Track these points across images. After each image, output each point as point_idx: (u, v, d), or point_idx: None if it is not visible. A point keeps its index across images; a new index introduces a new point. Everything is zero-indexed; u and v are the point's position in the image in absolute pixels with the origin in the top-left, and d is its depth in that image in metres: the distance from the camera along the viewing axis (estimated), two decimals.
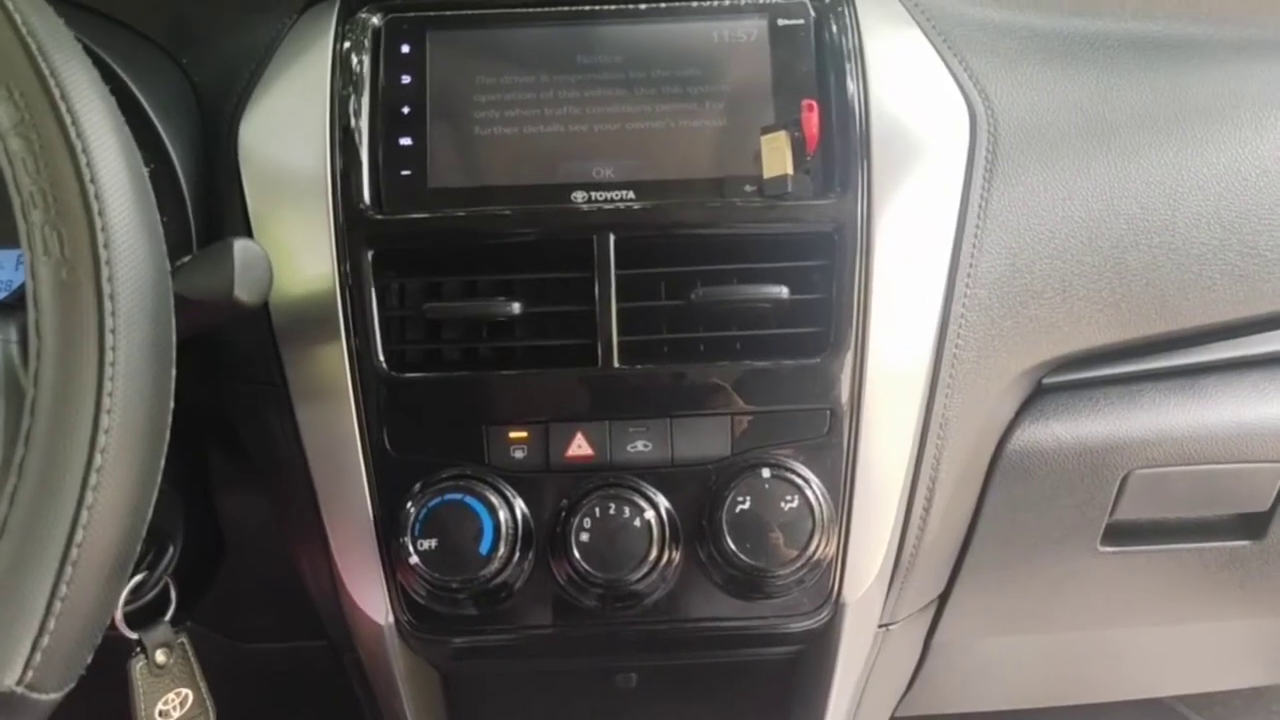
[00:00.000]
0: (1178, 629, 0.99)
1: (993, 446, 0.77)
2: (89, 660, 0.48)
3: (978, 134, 0.72)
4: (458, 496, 0.66)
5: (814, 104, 0.70)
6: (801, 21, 0.73)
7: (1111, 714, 1.26)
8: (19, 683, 0.43)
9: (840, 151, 0.70)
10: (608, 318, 0.68)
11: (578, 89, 0.72)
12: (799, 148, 0.69)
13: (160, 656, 0.72)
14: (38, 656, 0.43)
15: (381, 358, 0.68)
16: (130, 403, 0.46)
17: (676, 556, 0.68)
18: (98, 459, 0.45)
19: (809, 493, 0.67)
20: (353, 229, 0.68)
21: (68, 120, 0.46)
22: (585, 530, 0.66)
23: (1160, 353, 0.78)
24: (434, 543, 0.65)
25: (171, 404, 0.49)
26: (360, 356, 0.68)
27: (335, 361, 0.68)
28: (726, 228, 0.70)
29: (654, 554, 0.66)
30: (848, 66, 0.71)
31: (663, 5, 0.73)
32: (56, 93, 0.46)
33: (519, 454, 0.69)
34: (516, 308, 0.68)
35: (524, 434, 0.69)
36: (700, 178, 0.70)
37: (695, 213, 0.69)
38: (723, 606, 0.70)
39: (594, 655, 0.76)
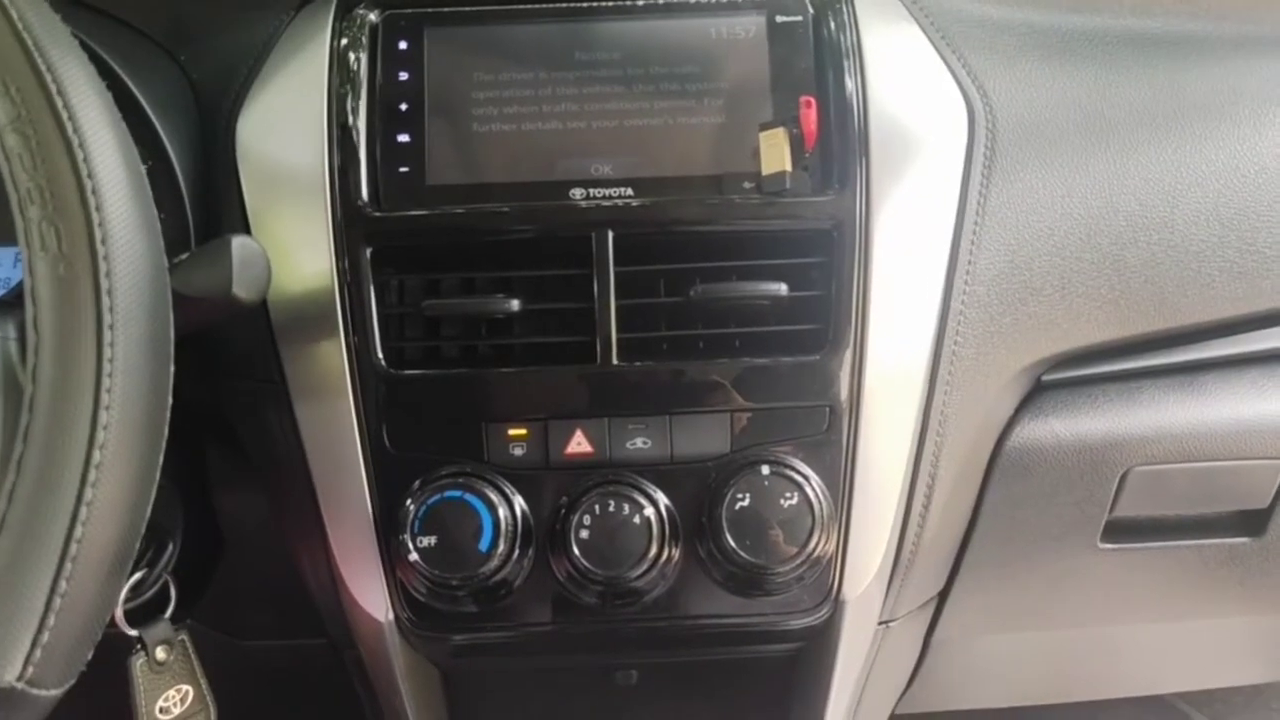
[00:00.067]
0: (1177, 626, 0.99)
1: (992, 443, 0.77)
2: (89, 657, 0.48)
3: (976, 131, 0.72)
4: (457, 494, 0.66)
5: (812, 101, 0.70)
6: (800, 18, 0.73)
7: (1112, 711, 1.26)
8: (19, 679, 0.43)
9: (839, 148, 0.70)
10: (606, 315, 0.68)
11: (576, 86, 0.71)
12: (797, 144, 0.70)
13: (160, 653, 0.73)
14: (38, 653, 0.43)
15: (380, 355, 0.68)
16: (129, 399, 0.46)
17: (676, 553, 0.68)
18: (96, 455, 0.45)
19: (808, 490, 0.67)
20: (351, 226, 0.68)
21: (64, 116, 0.46)
22: (585, 527, 0.66)
23: (1159, 350, 0.78)
24: (433, 540, 0.65)
25: (170, 400, 0.49)
26: (359, 354, 0.68)
27: (334, 359, 0.68)
28: (725, 225, 0.70)
29: (653, 551, 0.66)
30: (846, 63, 0.71)
31: (661, 2, 0.73)
32: (53, 88, 0.46)
33: (518, 451, 0.69)
34: (515, 305, 0.68)
35: (523, 431, 0.69)
36: (699, 174, 0.70)
37: (694, 209, 0.69)
38: (722, 603, 0.70)
39: (594, 652, 0.76)
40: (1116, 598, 0.90)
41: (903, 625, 0.82)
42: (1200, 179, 0.74)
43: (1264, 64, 0.77)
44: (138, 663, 0.72)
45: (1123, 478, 0.78)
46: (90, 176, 0.46)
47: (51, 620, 0.44)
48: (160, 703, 0.73)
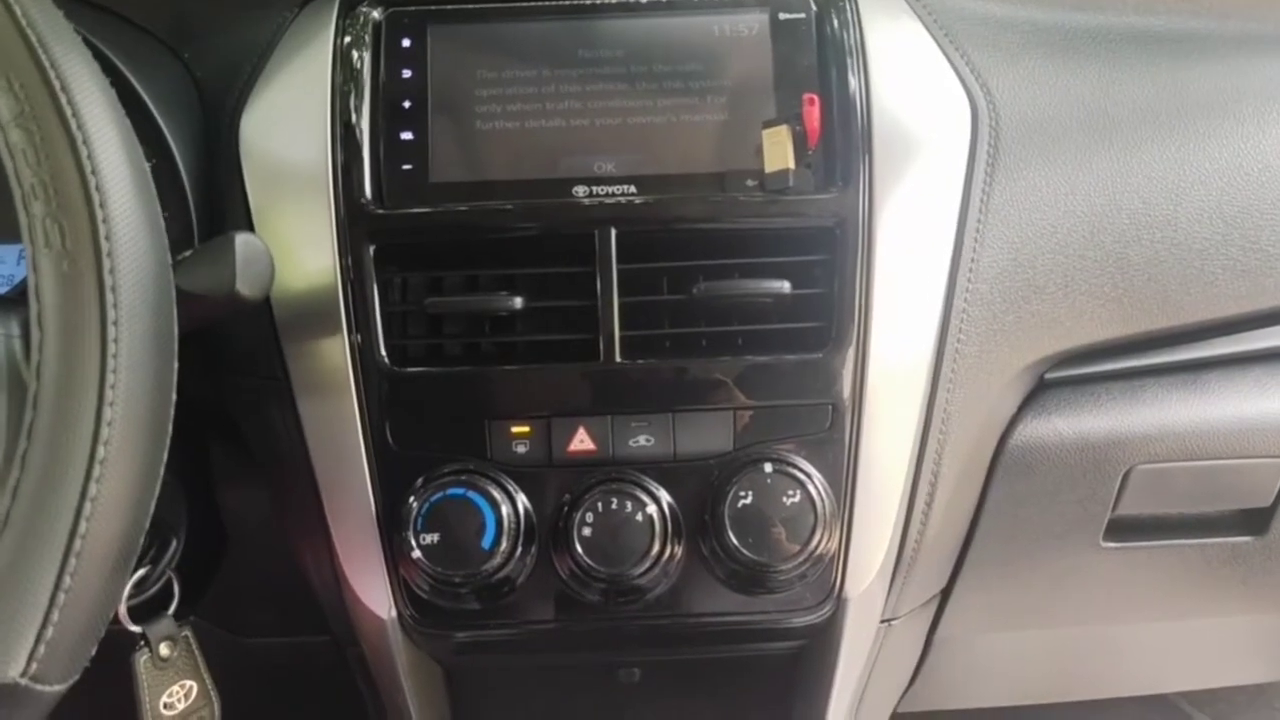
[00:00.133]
0: (1180, 625, 0.99)
1: (995, 441, 0.77)
2: (93, 653, 0.48)
3: (979, 128, 0.72)
4: (460, 491, 0.66)
5: (815, 98, 0.70)
6: (803, 15, 0.73)
7: (1114, 710, 1.26)
8: (23, 674, 0.43)
9: (842, 146, 0.70)
10: (609, 312, 0.68)
11: (579, 83, 0.71)
12: (800, 142, 0.69)
13: (164, 650, 0.73)
14: (41, 648, 0.44)
15: (383, 352, 0.68)
16: (133, 395, 0.46)
17: (679, 551, 0.68)
18: (100, 451, 0.45)
19: (811, 488, 0.67)
20: (354, 224, 0.68)
21: (68, 112, 0.46)
22: (587, 525, 0.66)
23: (1162, 348, 0.78)
24: (436, 537, 0.65)
25: (174, 397, 0.49)
26: (362, 351, 0.68)
27: (337, 356, 0.68)
28: (728, 222, 0.70)
29: (656, 549, 0.66)
30: (849, 61, 0.71)
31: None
32: (57, 84, 0.46)
33: (521, 449, 0.69)
34: (518, 302, 0.68)
35: (526, 429, 0.69)
36: (702, 172, 0.70)
37: (697, 207, 0.69)
38: (725, 601, 0.70)
39: (596, 650, 0.76)
40: (1119, 596, 0.90)
41: (905, 623, 0.82)
42: (1203, 177, 0.74)
43: (1267, 62, 0.77)
44: (141, 659, 0.72)
45: (1125, 476, 0.78)
46: (94, 173, 0.46)
47: (55, 616, 0.44)
48: (164, 698, 0.73)
